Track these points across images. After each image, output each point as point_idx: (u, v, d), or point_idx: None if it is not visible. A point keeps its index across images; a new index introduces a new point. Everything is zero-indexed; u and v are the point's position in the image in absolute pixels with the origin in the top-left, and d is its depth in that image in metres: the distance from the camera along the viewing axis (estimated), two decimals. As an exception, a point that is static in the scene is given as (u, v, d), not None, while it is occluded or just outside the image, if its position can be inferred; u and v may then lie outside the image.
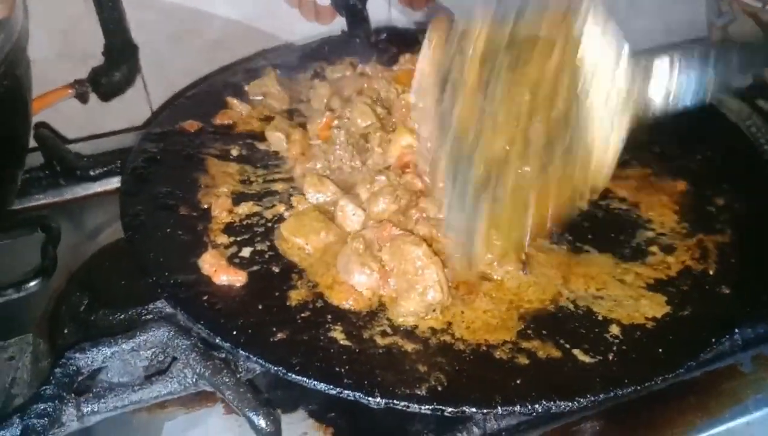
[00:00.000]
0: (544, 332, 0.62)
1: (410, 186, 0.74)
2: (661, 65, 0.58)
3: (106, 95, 1.04)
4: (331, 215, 0.73)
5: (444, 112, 0.56)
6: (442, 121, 0.57)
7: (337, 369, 0.57)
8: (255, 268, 0.69)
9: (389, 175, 0.75)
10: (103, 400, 0.60)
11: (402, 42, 1.02)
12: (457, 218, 0.58)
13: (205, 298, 0.64)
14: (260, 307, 0.64)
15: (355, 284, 0.66)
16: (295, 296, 0.66)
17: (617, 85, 0.59)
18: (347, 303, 0.65)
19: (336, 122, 0.81)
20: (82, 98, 1.03)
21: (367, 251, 0.66)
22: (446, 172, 0.58)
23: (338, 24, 1.09)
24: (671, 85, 0.58)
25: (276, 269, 0.69)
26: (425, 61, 0.61)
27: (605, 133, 0.61)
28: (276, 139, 0.85)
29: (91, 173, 0.92)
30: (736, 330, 0.63)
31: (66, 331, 0.74)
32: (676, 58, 0.58)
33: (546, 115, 0.57)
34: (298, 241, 0.71)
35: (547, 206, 0.60)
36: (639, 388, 0.57)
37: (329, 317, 0.63)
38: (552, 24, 0.59)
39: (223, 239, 0.72)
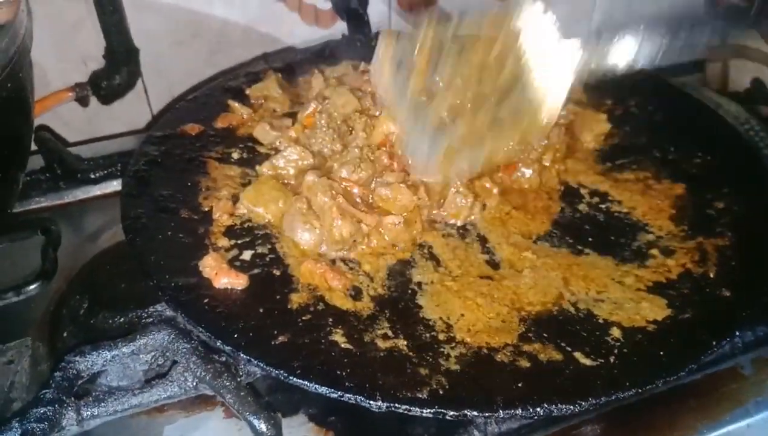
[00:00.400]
0: (545, 334, 0.63)
1: (378, 161, 0.76)
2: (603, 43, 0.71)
3: (107, 98, 1.04)
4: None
5: (399, 86, 0.72)
6: (399, 91, 0.72)
7: (339, 372, 0.57)
8: (256, 271, 0.69)
9: (363, 149, 0.77)
10: (103, 404, 0.60)
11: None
12: (417, 152, 0.71)
13: (205, 301, 0.64)
14: (261, 310, 0.64)
15: (301, 242, 0.70)
16: (296, 299, 0.65)
17: (555, 59, 0.72)
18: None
19: (320, 107, 0.82)
20: (83, 101, 1.03)
21: (310, 209, 0.71)
22: (406, 120, 0.72)
23: (338, 28, 1.09)
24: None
25: (277, 272, 0.69)
26: (381, 53, 0.76)
27: (545, 96, 0.73)
28: (262, 131, 0.86)
29: (92, 176, 0.92)
30: (737, 333, 0.62)
31: (65, 334, 0.74)
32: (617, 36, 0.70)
33: (492, 82, 0.72)
34: (258, 210, 0.74)
35: (498, 146, 0.74)
36: (640, 391, 0.57)
37: (330, 320, 0.63)
38: (493, 23, 0.72)
39: (224, 242, 0.72)
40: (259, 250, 0.71)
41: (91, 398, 0.60)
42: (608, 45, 0.69)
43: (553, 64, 0.71)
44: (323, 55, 1.02)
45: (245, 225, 0.74)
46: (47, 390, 0.58)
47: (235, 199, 0.77)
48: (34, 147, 0.93)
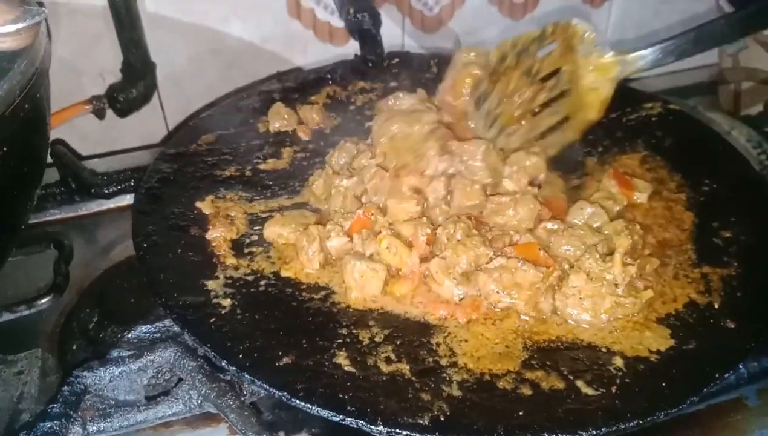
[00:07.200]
0: (548, 362, 0.63)
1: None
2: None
3: (123, 112, 1.05)
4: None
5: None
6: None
7: (341, 396, 0.57)
8: (262, 290, 0.70)
9: None
10: (108, 419, 0.61)
11: (414, 67, 1.03)
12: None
13: (212, 320, 0.64)
14: (266, 330, 0.64)
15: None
16: (302, 320, 0.66)
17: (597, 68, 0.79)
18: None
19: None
20: (99, 114, 1.04)
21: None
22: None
23: (353, 45, 1.10)
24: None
25: (283, 293, 0.70)
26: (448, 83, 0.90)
27: (591, 98, 0.79)
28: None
29: (106, 191, 0.93)
30: (741, 366, 0.62)
31: (75, 347, 0.75)
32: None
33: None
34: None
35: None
36: (641, 422, 0.56)
37: (334, 342, 0.64)
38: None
39: (232, 261, 0.73)
40: (267, 270, 0.72)
41: (97, 413, 0.61)
42: (642, 54, 0.77)
43: (597, 73, 0.79)
44: (335, 75, 1.03)
45: (254, 245, 0.75)
46: (55, 405, 0.60)
47: (246, 217, 0.79)
48: (49, 160, 0.95)
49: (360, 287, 0.69)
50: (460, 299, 0.69)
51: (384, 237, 0.71)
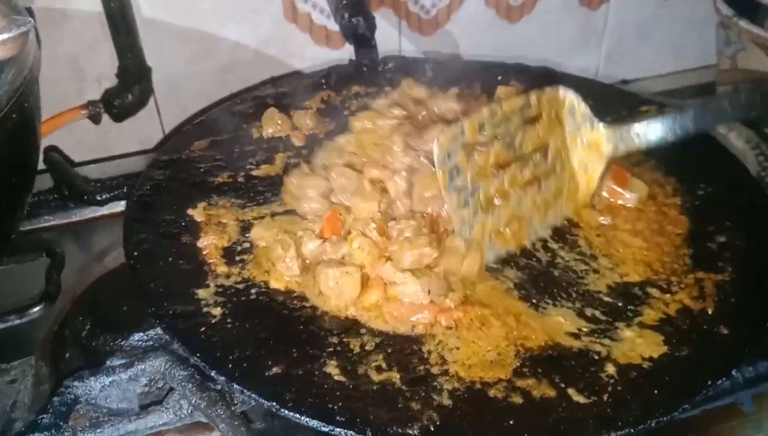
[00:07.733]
0: (539, 370, 0.62)
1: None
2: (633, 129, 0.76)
3: (119, 116, 1.05)
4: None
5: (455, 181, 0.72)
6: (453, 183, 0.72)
7: (330, 406, 0.57)
8: (252, 298, 0.69)
9: None
10: (99, 430, 0.61)
11: (409, 71, 1.03)
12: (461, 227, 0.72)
13: (202, 329, 0.64)
14: (257, 340, 0.64)
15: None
16: (292, 329, 0.66)
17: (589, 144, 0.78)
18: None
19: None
20: (95, 119, 1.04)
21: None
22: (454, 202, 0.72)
23: (349, 49, 1.10)
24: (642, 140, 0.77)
25: (274, 301, 0.69)
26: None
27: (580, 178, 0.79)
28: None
29: (99, 198, 0.93)
30: (733, 372, 0.62)
31: (68, 355, 0.75)
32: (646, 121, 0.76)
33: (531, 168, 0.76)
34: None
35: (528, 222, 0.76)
36: (632, 430, 0.56)
37: (324, 351, 0.64)
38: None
39: (223, 269, 0.72)
40: (257, 278, 0.72)
41: (87, 423, 0.61)
42: (637, 129, 0.76)
43: (587, 149, 0.77)
44: (329, 80, 1.02)
45: (246, 253, 0.75)
46: (45, 415, 0.60)
47: (237, 224, 0.78)
48: (43, 166, 0.95)
49: (337, 293, 0.68)
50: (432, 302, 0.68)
51: (354, 237, 0.71)
